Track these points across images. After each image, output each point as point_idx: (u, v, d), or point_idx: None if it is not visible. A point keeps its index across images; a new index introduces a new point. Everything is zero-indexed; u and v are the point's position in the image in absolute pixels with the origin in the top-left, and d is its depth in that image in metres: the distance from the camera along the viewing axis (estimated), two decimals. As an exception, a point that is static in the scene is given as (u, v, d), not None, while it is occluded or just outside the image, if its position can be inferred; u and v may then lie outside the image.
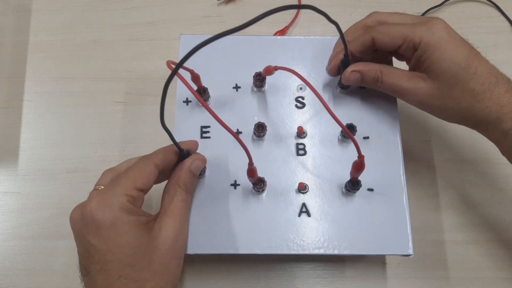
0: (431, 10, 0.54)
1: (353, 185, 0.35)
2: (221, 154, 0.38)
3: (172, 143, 0.32)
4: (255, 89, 0.40)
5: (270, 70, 0.37)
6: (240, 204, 0.37)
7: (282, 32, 0.49)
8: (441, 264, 0.45)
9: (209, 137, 0.39)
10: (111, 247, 0.29)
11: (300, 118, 0.40)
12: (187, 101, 0.40)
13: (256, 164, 0.33)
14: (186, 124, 0.39)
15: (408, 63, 0.38)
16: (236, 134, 0.29)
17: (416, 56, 0.35)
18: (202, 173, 0.37)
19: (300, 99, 0.40)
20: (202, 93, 0.39)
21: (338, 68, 0.38)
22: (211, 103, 0.40)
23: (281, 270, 0.45)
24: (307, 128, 0.39)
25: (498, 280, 0.44)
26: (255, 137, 0.39)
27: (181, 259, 0.33)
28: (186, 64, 0.25)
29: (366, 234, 0.36)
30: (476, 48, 0.35)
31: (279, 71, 0.36)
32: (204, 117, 0.39)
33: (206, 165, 0.37)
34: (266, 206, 0.37)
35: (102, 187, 0.32)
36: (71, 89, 0.51)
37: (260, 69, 0.38)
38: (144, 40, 0.53)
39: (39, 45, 0.53)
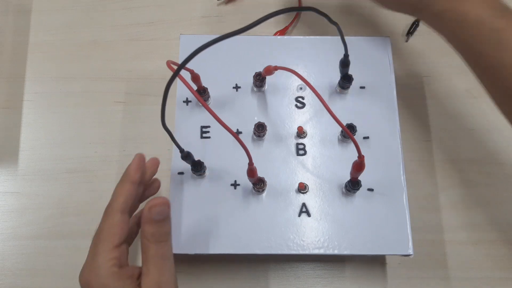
0: (431, 10, 0.54)
1: (353, 185, 0.35)
2: (221, 154, 0.38)
3: (128, 174, 0.33)
4: (255, 89, 0.40)
5: (270, 70, 0.37)
6: (240, 204, 0.37)
7: (282, 32, 0.49)
8: (441, 264, 0.45)
9: (209, 137, 0.39)
10: None
11: (300, 118, 0.40)
12: (187, 101, 0.40)
13: (256, 164, 0.33)
14: (186, 124, 0.39)
15: None
16: (236, 134, 0.30)
17: None
18: (202, 173, 0.37)
19: (300, 99, 0.40)
20: (202, 93, 0.39)
21: None
22: (211, 103, 0.40)
23: (281, 270, 0.45)
24: (307, 128, 0.39)
25: (498, 280, 0.44)
26: (255, 137, 0.39)
27: None
28: (186, 64, 0.25)
29: (366, 234, 0.36)
30: None
31: (279, 71, 0.36)
32: (204, 117, 0.39)
33: (206, 165, 0.37)
34: (266, 206, 0.37)
35: None
36: (71, 89, 0.51)
37: (260, 69, 0.38)
38: (144, 40, 0.53)
39: (39, 45, 0.53)
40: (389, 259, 0.45)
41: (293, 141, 0.39)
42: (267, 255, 0.34)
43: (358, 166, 0.33)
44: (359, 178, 0.35)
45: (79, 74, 0.52)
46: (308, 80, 0.33)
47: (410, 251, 0.35)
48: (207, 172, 0.38)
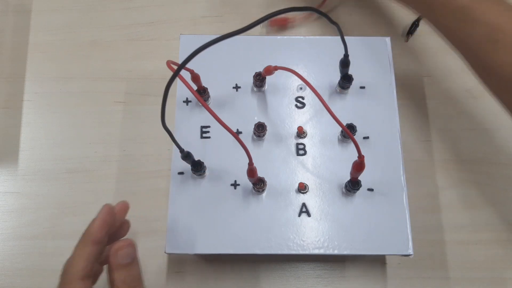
0: (431, 10, 0.54)
1: (353, 185, 0.35)
2: (221, 154, 0.38)
3: (90, 233, 0.29)
4: (255, 89, 0.40)
5: (270, 70, 0.37)
6: (240, 204, 0.37)
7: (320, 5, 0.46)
8: (441, 264, 0.45)
9: (209, 137, 0.39)
10: None
11: (300, 118, 0.40)
12: (187, 101, 0.40)
13: (256, 164, 0.33)
14: (186, 124, 0.39)
15: None
16: (236, 134, 0.29)
17: None
18: (202, 173, 0.37)
19: (300, 99, 0.40)
20: (202, 93, 0.39)
21: None
22: (211, 103, 0.40)
23: (281, 270, 0.45)
24: (307, 128, 0.39)
25: (498, 280, 0.44)
26: (255, 137, 0.39)
27: None
28: (186, 64, 0.25)
29: (366, 234, 0.36)
30: None
31: (279, 71, 0.36)
32: (204, 117, 0.39)
33: (206, 165, 0.37)
34: (266, 206, 0.37)
35: None
36: (71, 89, 0.51)
37: (260, 69, 0.38)
38: (144, 40, 0.53)
39: (39, 45, 0.53)
40: (389, 259, 0.45)
41: (293, 141, 0.39)
42: (267, 255, 0.34)
43: (358, 166, 0.33)
44: (359, 178, 0.35)
45: (79, 74, 0.52)
46: (308, 80, 0.33)
47: (410, 251, 0.35)
48: (207, 172, 0.38)
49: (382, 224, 0.36)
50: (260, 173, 0.35)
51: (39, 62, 0.52)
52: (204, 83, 0.38)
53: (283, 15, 0.35)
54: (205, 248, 0.36)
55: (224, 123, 0.28)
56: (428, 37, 0.53)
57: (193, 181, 0.38)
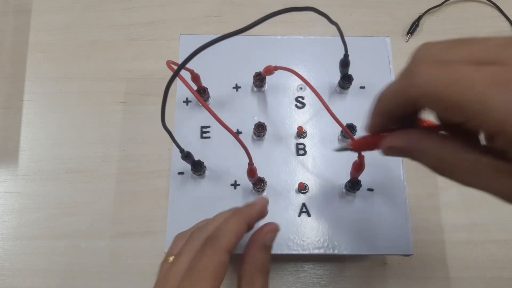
0: (431, 10, 0.54)
1: (353, 185, 0.35)
2: (221, 154, 0.38)
3: (250, 216, 0.30)
4: (255, 89, 0.40)
5: (270, 70, 0.37)
6: (240, 204, 0.37)
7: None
8: (441, 264, 0.45)
9: (209, 137, 0.39)
10: None
11: (300, 118, 0.40)
12: (187, 101, 0.40)
13: (256, 164, 0.33)
14: (186, 124, 0.39)
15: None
16: (236, 134, 0.29)
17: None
18: (202, 173, 0.37)
19: (300, 99, 0.40)
20: (202, 93, 0.39)
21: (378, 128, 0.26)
22: (211, 103, 0.40)
23: (281, 270, 0.45)
24: (307, 128, 0.39)
25: (498, 280, 0.44)
26: (255, 137, 0.39)
27: None
28: (186, 64, 0.25)
29: (366, 234, 0.36)
30: None
31: (279, 71, 0.36)
32: (204, 117, 0.39)
33: (206, 165, 0.37)
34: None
35: (171, 258, 0.30)
36: (71, 89, 0.51)
37: (260, 69, 0.38)
38: (144, 40, 0.53)
39: (39, 45, 0.53)
40: (389, 259, 0.45)
41: (293, 141, 0.39)
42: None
43: (358, 166, 0.33)
44: (359, 178, 0.35)
45: (79, 74, 0.52)
46: (308, 80, 0.33)
47: (410, 251, 0.35)
48: (207, 172, 0.38)
49: (382, 224, 0.36)
50: (260, 173, 0.35)
51: (39, 62, 0.52)
52: (204, 83, 0.38)
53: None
54: (205, 248, 0.36)
55: (224, 123, 0.28)
56: (428, 37, 0.53)
57: (193, 181, 0.38)
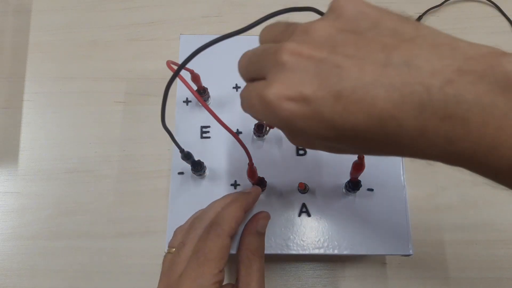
0: (431, 10, 0.54)
1: (353, 185, 0.35)
2: (221, 154, 0.38)
3: (247, 203, 0.33)
4: (255, 89, 0.40)
5: (270, 70, 0.37)
6: (240, 204, 0.37)
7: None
8: (441, 264, 0.45)
9: (209, 137, 0.39)
10: None
11: (300, 118, 0.40)
12: (187, 101, 0.40)
13: (256, 164, 0.33)
14: (186, 124, 0.39)
15: None
16: (236, 134, 0.29)
17: None
18: (202, 173, 0.37)
19: (300, 99, 0.40)
20: (202, 93, 0.39)
21: None
22: (211, 103, 0.40)
23: (281, 270, 0.45)
24: (307, 128, 0.39)
25: (498, 280, 0.44)
26: (255, 137, 0.39)
27: None
28: (186, 64, 0.25)
29: (366, 234, 0.36)
30: None
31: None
32: (204, 117, 0.39)
33: (206, 165, 0.37)
34: (266, 206, 0.37)
35: (174, 249, 0.32)
36: (71, 89, 0.51)
37: (260, 69, 0.38)
38: (144, 40, 0.53)
39: (39, 45, 0.53)
40: (389, 259, 0.45)
41: (293, 141, 0.39)
42: (267, 255, 0.34)
43: (358, 166, 0.33)
44: (359, 178, 0.35)
45: (79, 74, 0.52)
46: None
47: (410, 251, 0.35)
48: (207, 172, 0.38)
49: (382, 224, 0.36)
50: (260, 173, 0.35)
51: (39, 62, 0.52)
52: (204, 83, 0.38)
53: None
54: (205, 248, 0.36)
55: (224, 123, 0.28)
56: (428, 37, 0.53)
57: (193, 181, 0.38)
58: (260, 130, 0.37)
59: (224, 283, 0.31)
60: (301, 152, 0.39)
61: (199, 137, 0.39)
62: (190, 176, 0.38)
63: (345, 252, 0.35)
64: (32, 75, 0.52)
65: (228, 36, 0.23)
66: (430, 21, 0.54)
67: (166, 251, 0.34)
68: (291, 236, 0.36)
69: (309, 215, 0.37)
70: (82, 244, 0.45)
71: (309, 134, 0.20)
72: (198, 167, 0.36)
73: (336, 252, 0.35)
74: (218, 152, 0.38)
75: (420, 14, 0.54)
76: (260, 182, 0.36)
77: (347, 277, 0.44)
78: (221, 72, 0.41)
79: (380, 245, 0.36)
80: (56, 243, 0.46)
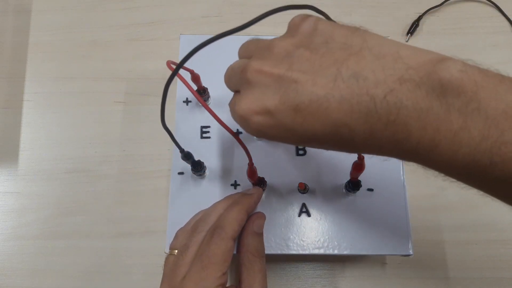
0: (431, 10, 0.54)
1: (353, 185, 0.35)
2: (221, 154, 0.38)
3: (249, 206, 0.33)
4: (255, 89, 0.40)
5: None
6: (240, 204, 0.37)
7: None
8: (441, 264, 0.45)
9: (209, 137, 0.39)
10: None
11: (300, 118, 0.40)
12: (187, 101, 0.40)
13: (256, 164, 0.33)
14: (186, 124, 0.39)
15: None
16: (236, 134, 0.30)
17: None
18: (202, 173, 0.37)
19: (300, 99, 0.40)
20: (202, 93, 0.39)
21: None
22: (211, 103, 0.40)
23: (281, 270, 0.45)
24: (307, 128, 0.39)
25: (498, 280, 0.44)
26: (255, 137, 0.39)
27: None
28: (186, 64, 0.25)
29: (366, 234, 0.36)
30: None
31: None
32: (204, 117, 0.39)
33: (206, 165, 0.37)
34: (266, 206, 0.37)
35: (176, 251, 0.32)
36: (71, 89, 0.51)
37: (260, 69, 0.38)
38: (144, 40, 0.53)
39: (39, 45, 0.53)
40: (389, 259, 0.45)
41: (293, 141, 0.39)
42: (267, 255, 0.34)
43: (358, 166, 0.33)
44: (359, 178, 0.35)
45: (79, 74, 0.52)
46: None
47: (410, 251, 0.35)
48: (207, 172, 0.38)
49: (382, 224, 0.36)
50: (260, 173, 0.35)
51: (39, 62, 0.52)
52: (204, 83, 0.38)
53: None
54: (205, 248, 0.36)
55: (224, 123, 0.28)
56: (428, 37, 0.53)
57: (193, 181, 0.38)
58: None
59: (227, 284, 0.31)
60: (301, 152, 0.39)
61: (199, 137, 0.39)
62: (190, 176, 0.38)
63: (345, 252, 0.35)
64: (32, 75, 0.52)
65: (227, 34, 0.23)
66: (430, 21, 0.54)
67: (167, 252, 0.34)
68: (291, 236, 0.36)
69: (309, 215, 0.37)
70: (82, 244, 0.45)
71: (279, 140, 0.23)
72: (198, 167, 0.36)
73: (336, 252, 0.35)
74: (218, 152, 0.38)
75: (420, 14, 0.54)
76: (260, 182, 0.36)
77: (347, 277, 0.44)
78: (221, 72, 0.41)
79: (380, 245, 0.36)
80: (56, 243, 0.46)
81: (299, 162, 0.38)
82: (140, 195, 0.47)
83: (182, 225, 0.36)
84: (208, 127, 0.39)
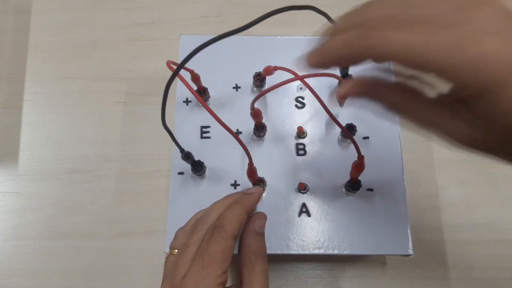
0: (431, 10, 0.54)
1: (353, 185, 0.35)
2: (221, 154, 0.38)
3: (249, 205, 0.33)
4: (255, 89, 0.40)
5: (270, 70, 0.37)
6: (240, 204, 0.37)
7: None
8: (441, 264, 0.45)
9: (209, 137, 0.39)
10: None
11: (300, 118, 0.40)
12: (187, 101, 0.40)
13: (256, 164, 0.33)
14: (186, 124, 0.39)
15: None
16: (236, 134, 0.30)
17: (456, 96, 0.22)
18: (202, 173, 0.37)
19: (300, 99, 0.40)
20: (202, 93, 0.39)
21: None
22: (211, 103, 0.40)
23: (281, 270, 0.45)
24: (307, 128, 0.39)
25: (498, 280, 0.44)
26: (255, 137, 0.39)
27: None
28: (186, 64, 0.25)
29: (366, 234, 0.36)
30: None
31: (279, 71, 0.36)
32: (204, 117, 0.39)
33: (206, 165, 0.37)
34: (266, 206, 0.37)
35: (176, 250, 0.32)
36: (71, 89, 0.51)
37: (260, 69, 0.38)
38: (144, 40, 0.53)
39: (39, 45, 0.53)
40: (389, 259, 0.45)
41: (293, 141, 0.39)
42: (267, 255, 0.34)
43: (358, 166, 0.33)
44: (359, 178, 0.35)
45: (79, 74, 0.52)
46: (308, 80, 0.33)
47: (410, 251, 0.35)
48: (207, 172, 0.38)
49: (382, 224, 0.36)
50: (260, 173, 0.35)
51: (39, 62, 0.52)
52: (204, 83, 0.38)
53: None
54: (205, 248, 0.36)
55: (224, 123, 0.28)
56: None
57: (193, 181, 0.38)
58: (260, 130, 0.38)
59: (227, 284, 0.31)
60: (301, 152, 0.39)
61: (199, 137, 0.39)
62: (190, 176, 0.38)
63: (345, 252, 0.35)
64: (32, 75, 0.52)
65: (227, 35, 0.23)
66: (430, 21, 0.54)
67: (167, 251, 0.34)
68: (291, 236, 0.36)
69: (309, 215, 0.37)
70: (82, 244, 0.45)
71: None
72: (198, 167, 0.36)
73: (336, 252, 0.35)
74: (218, 152, 0.38)
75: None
76: (260, 182, 0.36)
77: (347, 277, 0.44)
78: (221, 72, 0.41)
79: (380, 245, 0.36)
80: (56, 243, 0.46)
81: (299, 162, 0.38)
82: (140, 195, 0.47)
83: (182, 225, 0.36)
84: (208, 127, 0.39)
